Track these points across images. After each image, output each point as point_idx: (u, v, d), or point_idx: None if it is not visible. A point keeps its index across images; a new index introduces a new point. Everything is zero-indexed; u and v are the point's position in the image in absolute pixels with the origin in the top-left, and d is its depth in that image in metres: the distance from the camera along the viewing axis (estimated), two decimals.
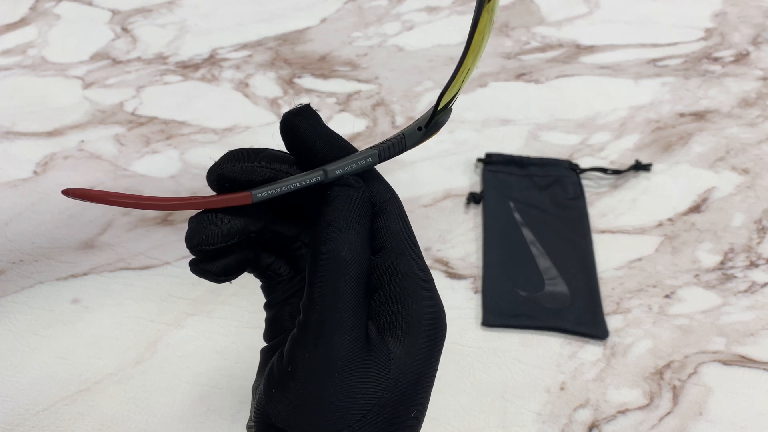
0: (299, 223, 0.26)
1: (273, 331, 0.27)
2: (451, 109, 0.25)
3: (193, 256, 0.24)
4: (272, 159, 0.23)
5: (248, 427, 0.25)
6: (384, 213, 0.24)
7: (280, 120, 0.24)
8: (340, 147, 0.24)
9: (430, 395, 0.24)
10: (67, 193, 0.21)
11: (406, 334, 0.22)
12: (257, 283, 0.28)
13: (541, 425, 0.42)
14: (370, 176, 0.25)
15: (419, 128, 0.24)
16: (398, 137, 0.24)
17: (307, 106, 0.23)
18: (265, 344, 0.27)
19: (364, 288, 0.22)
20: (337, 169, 0.23)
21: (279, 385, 0.22)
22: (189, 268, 0.24)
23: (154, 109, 0.64)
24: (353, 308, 0.22)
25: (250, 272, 0.26)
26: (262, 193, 0.22)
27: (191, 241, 0.23)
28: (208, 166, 0.23)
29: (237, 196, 0.23)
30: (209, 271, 0.23)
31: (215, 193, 0.23)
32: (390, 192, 0.25)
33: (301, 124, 0.23)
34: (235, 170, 0.23)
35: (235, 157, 0.23)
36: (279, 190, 0.23)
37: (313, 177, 0.23)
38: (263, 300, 0.28)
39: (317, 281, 0.22)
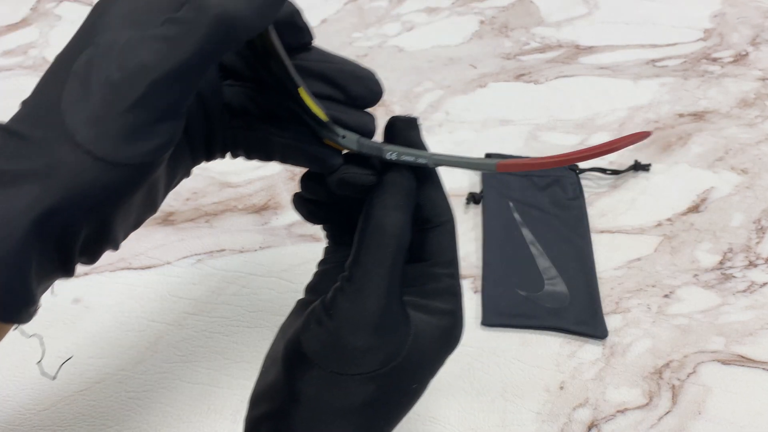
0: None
1: (320, 283, 0.31)
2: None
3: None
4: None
5: (269, 356, 0.29)
6: (441, 229, 0.28)
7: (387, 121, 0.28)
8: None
9: (428, 384, 0.27)
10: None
11: (430, 324, 0.26)
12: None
13: (541, 424, 0.42)
14: (438, 195, 0.29)
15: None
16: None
17: (417, 119, 0.29)
18: (302, 297, 0.31)
19: (403, 262, 0.26)
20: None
21: (318, 322, 0.26)
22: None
23: None
24: (391, 275, 0.25)
25: (324, 229, 0.32)
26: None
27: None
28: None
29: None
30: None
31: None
32: (450, 214, 0.29)
33: (411, 134, 0.28)
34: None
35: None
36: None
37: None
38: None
39: (364, 246, 0.26)
